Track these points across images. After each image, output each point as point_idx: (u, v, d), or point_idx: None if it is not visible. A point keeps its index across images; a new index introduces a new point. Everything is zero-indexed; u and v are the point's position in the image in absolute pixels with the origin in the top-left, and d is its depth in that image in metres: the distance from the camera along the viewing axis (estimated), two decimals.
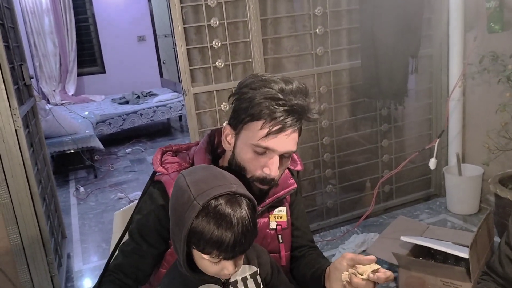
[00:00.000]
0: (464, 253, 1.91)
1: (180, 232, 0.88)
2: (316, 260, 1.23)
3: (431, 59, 2.91)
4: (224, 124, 1.12)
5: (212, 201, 0.87)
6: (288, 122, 1.01)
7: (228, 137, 1.11)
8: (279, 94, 1.01)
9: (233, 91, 1.10)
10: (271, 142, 1.03)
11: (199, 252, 0.90)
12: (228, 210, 0.87)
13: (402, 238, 2.19)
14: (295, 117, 1.03)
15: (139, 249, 1.12)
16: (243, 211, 0.88)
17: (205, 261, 0.91)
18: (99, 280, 1.12)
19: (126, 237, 1.17)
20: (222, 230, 0.86)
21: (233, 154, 1.10)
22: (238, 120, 1.06)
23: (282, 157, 1.07)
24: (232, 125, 1.09)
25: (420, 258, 2.13)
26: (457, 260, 2.03)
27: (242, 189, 0.92)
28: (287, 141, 1.04)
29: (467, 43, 2.77)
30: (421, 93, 3.01)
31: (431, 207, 3.04)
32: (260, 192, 1.10)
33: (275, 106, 1.00)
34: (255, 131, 1.03)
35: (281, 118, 1.01)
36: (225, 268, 0.91)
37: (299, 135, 1.09)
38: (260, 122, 1.02)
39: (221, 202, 0.87)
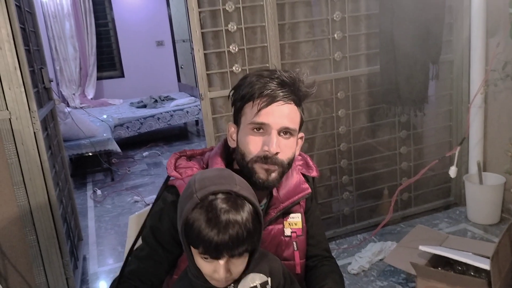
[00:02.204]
0: (485, 264, 1.86)
1: (180, 225, 0.90)
2: (325, 276, 1.21)
3: (452, 65, 2.86)
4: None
5: (210, 196, 0.88)
6: (279, 93, 1.05)
7: (233, 135, 1.14)
8: (268, 72, 1.07)
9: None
10: (264, 116, 1.05)
11: (194, 250, 0.90)
12: (222, 206, 0.87)
13: (421, 247, 2.14)
14: (285, 89, 1.06)
15: (154, 254, 1.11)
16: (240, 213, 0.87)
17: (199, 260, 0.91)
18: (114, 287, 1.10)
19: (139, 242, 1.16)
20: (211, 225, 0.85)
21: (237, 146, 1.12)
22: (236, 111, 1.11)
23: (281, 136, 1.07)
24: (234, 121, 1.14)
25: (439, 269, 2.08)
26: (477, 271, 1.97)
27: (247, 193, 0.91)
28: (280, 114, 1.05)
29: (490, 49, 2.71)
30: (442, 100, 2.95)
31: (450, 216, 2.97)
32: (268, 176, 1.08)
33: (262, 83, 1.05)
34: (249, 112, 1.07)
35: (270, 91, 1.05)
36: (216, 270, 0.90)
37: (302, 119, 1.12)
38: (253, 102, 1.06)
39: (218, 198, 0.88)
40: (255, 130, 1.07)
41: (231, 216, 0.86)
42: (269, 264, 1.04)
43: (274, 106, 1.05)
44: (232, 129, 1.14)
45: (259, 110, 1.04)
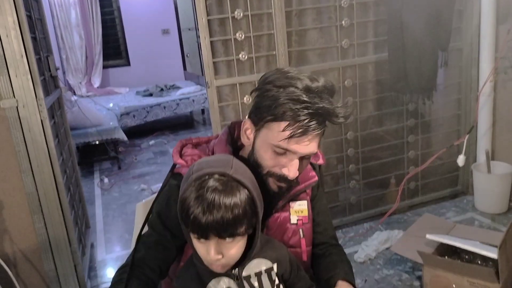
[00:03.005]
0: (492, 253, 1.84)
1: (178, 205, 0.92)
2: (334, 265, 1.21)
3: (461, 53, 2.82)
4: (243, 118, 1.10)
5: (204, 176, 0.90)
6: (312, 126, 0.99)
7: (247, 131, 1.09)
8: (304, 96, 0.98)
9: (256, 84, 1.07)
10: (293, 145, 1.00)
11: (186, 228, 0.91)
12: (211, 185, 0.88)
13: (428, 236, 2.13)
14: (319, 121, 1.00)
15: (162, 240, 1.10)
16: (229, 194, 0.87)
17: (194, 242, 0.92)
18: (127, 276, 1.07)
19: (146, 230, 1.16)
20: (198, 203, 0.86)
21: (252, 149, 1.08)
22: (260, 117, 1.04)
23: (302, 158, 1.05)
24: (252, 120, 1.07)
25: (446, 257, 2.07)
26: (485, 260, 1.96)
27: (242, 177, 0.92)
28: (309, 143, 1.02)
29: (500, 36, 2.67)
30: (450, 88, 2.92)
31: (458, 205, 2.96)
32: (279, 190, 1.08)
33: (299, 109, 0.97)
34: (277, 132, 1.00)
35: (305, 121, 0.98)
36: (208, 252, 0.90)
37: (322, 135, 1.06)
38: (283, 124, 0.99)
39: (210, 178, 0.89)
40: (278, 152, 1.03)
41: (218, 196, 0.86)
42: (275, 250, 1.04)
43: (304, 138, 1.00)
44: (248, 126, 1.08)
45: (289, 137, 0.99)
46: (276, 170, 1.05)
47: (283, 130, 0.99)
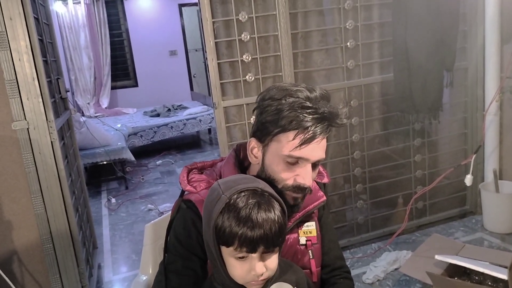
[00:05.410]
0: (502, 274, 1.83)
1: (209, 227, 0.91)
2: None
3: (466, 72, 2.84)
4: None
5: (237, 193, 0.92)
6: (319, 130, 1.02)
7: (254, 150, 1.10)
8: (307, 102, 1.02)
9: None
10: (304, 152, 1.03)
11: (227, 250, 0.91)
12: (252, 200, 0.90)
13: (437, 256, 2.11)
14: (325, 124, 1.03)
15: (189, 263, 1.09)
16: (270, 206, 0.91)
17: (232, 261, 0.92)
18: None
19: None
20: (245, 218, 0.88)
21: (262, 166, 1.09)
22: (266, 132, 1.06)
23: (313, 165, 1.07)
24: (258, 138, 1.09)
25: (456, 278, 2.05)
26: (495, 281, 1.94)
27: (271, 190, 0.96)
28: (318, 149, 1.04)
29: (504, 55, 2.69)
30: (456, 107, 2.93)
31: (466, 225, 2.93)
32: (295, 201, 1.09)
33: (305, 115, 1.01)
34: (286, 142, 1.03)
35: (312, 126, 1.01)
36: (252, 268, 0.91)
37: (327, 141, 1.09)
38: (291, 133, 1.02)
39: (246, 194, 0.91)
40: (290, 162, 1.05)
41: (261, 209, 0.90)
42: (295, 274, 1.05)
43: (314, 143, 1.02)
44: (254, 144, 1.10)
45: (300, 145, 1.01)
46: (290, 182, 1.06)
47: (293, 139, 1.01)
